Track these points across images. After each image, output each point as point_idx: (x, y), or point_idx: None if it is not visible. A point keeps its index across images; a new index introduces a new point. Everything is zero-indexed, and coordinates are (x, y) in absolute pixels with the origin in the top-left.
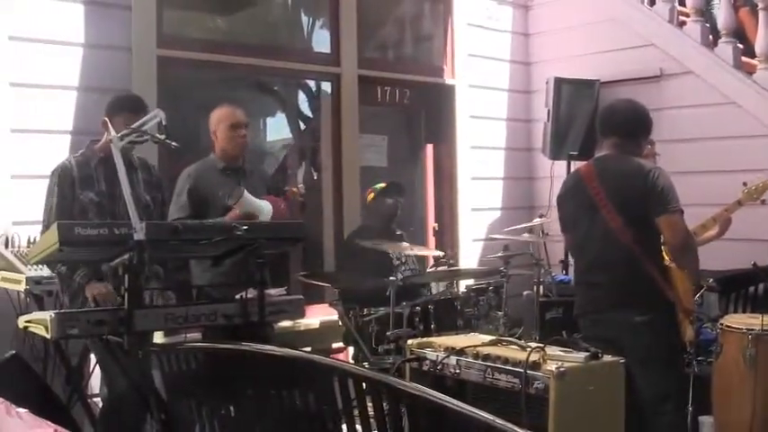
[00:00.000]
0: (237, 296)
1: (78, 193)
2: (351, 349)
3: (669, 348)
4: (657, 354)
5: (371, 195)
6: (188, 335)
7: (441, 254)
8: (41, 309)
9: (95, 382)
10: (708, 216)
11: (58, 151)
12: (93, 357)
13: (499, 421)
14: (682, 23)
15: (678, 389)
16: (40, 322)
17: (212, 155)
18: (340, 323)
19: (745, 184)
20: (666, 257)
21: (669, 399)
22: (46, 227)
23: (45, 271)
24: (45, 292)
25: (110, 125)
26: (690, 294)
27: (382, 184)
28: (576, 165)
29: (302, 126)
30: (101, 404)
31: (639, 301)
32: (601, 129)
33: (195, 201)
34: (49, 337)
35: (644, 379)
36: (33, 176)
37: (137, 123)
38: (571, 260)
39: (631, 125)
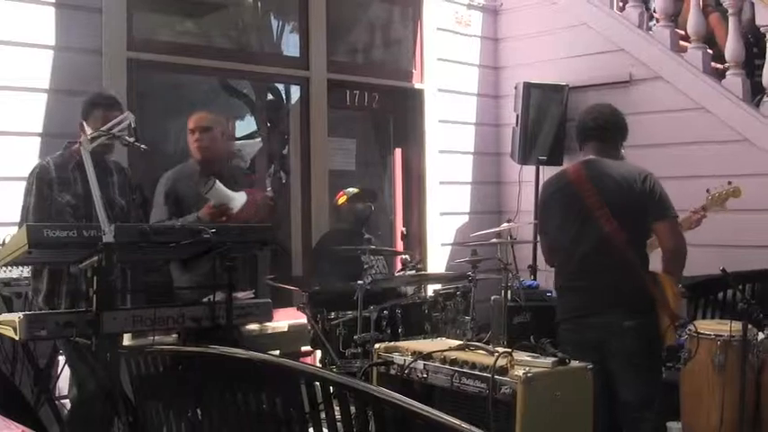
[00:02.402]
0: (205, 299)
1: (55, 194)
2: (318, 353)
3: (654, 354)
4: (642, 359)
5: (343, 198)
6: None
7: (408, 256)
8: (10, 310)
9: (63, 383)
10: None
11: (28, 153)
12: (61, 359)
13: (466, 426)
14: (651, 28)
15: (660, 395)
16: (8, 323)
17: (191, 159)
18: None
19: (708, 191)
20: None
21: (652, 405)
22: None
23: (14, 272)
24: (14, 294)
25: (85, 126)
26: (679, 299)
27: (355, 189)
28: (545, 169)
29: (271, 129)
30: (69, 406)
31: (630, 304)
32: (582, 133)
33: (172, 204)
34: (17, 338)
35: (628, 384)
36: (2, 178)
37: (106, 126)
38: (539, 265)
39: (613, 129)
